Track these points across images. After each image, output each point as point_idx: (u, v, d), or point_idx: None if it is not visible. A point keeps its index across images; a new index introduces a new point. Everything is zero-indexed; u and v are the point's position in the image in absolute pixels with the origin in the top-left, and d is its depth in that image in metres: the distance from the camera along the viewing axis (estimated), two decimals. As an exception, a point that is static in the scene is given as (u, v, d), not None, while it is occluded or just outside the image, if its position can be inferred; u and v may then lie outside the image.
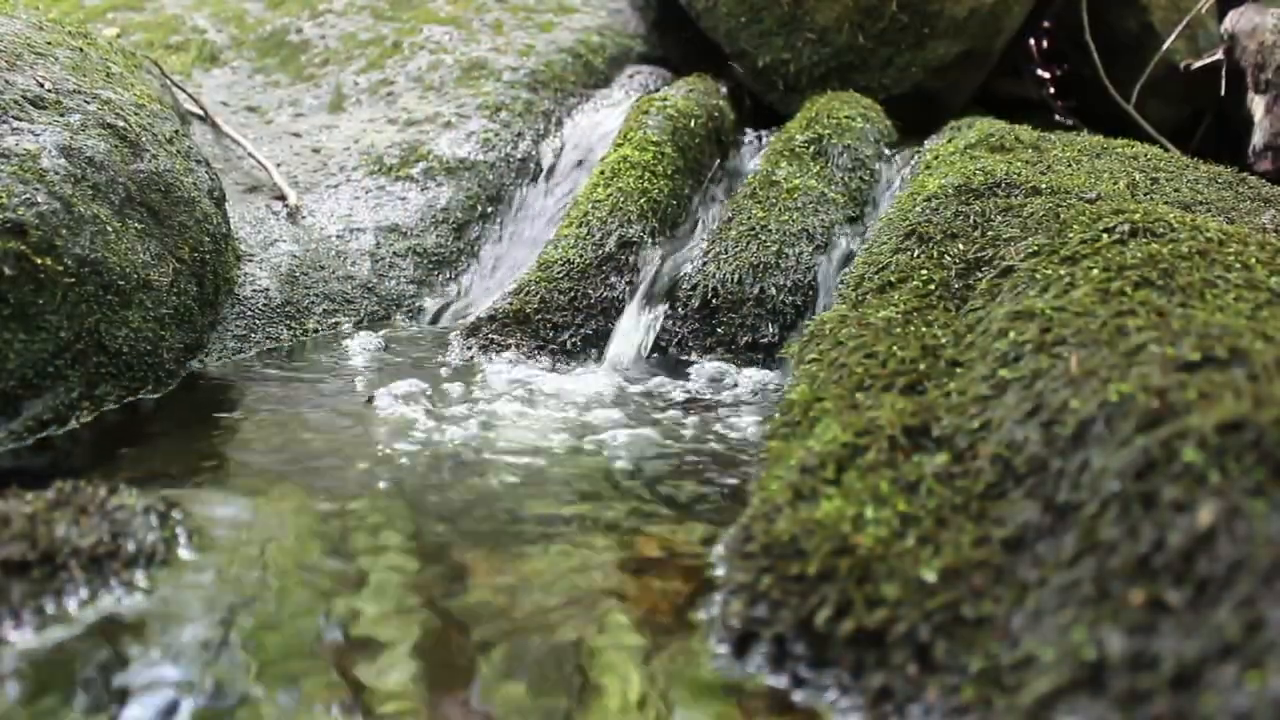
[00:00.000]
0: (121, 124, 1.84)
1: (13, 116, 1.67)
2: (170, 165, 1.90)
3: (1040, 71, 3.80)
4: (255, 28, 3.37)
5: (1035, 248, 1.47)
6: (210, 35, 3.32)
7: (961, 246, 1.69)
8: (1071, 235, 1.44)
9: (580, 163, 2.77)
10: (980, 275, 1.57)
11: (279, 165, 2.64)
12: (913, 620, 0.90)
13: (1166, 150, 2.47)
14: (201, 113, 2.72)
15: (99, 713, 0.85)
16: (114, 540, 1.07)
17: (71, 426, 1.56)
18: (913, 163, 2.48)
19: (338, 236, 2.44)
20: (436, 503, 1.32)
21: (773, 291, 2.11)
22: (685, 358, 2.10)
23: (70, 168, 1.65)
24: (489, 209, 2.67)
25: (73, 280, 1.56)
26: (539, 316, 2.12)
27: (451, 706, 0.88)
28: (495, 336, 2.09)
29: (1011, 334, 1.23)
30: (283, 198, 2.49)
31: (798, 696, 0.91)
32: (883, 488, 1.07)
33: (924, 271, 1.65)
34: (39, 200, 1.55)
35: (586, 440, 1.58)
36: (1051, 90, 3.77)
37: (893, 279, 1.68)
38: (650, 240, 2.32)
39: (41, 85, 1.78)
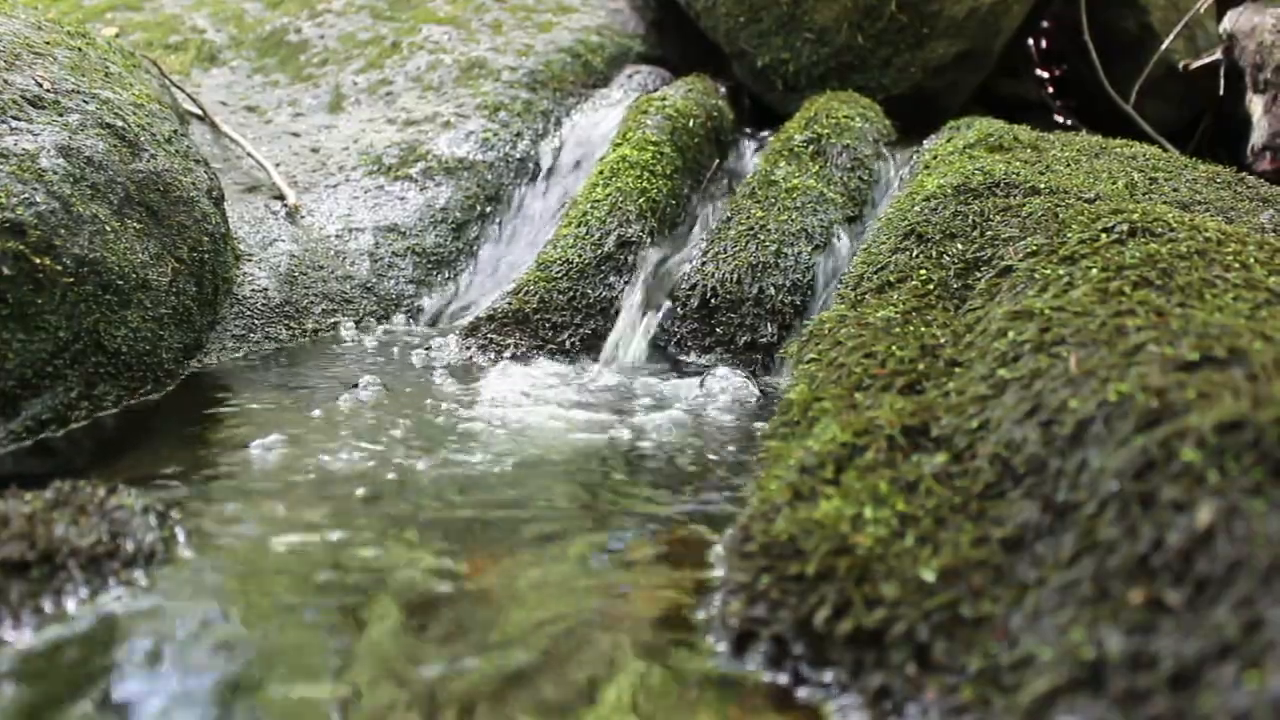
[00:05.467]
0: (120, 124, 1.84)
1: (11, 116, 1.67)
2: (169, 165, 1.90)
3: (1039, 71, 3.80)
4: (254, 27, 3.37)
5: (1034, 247, 1.47)
6: (209, 35, 3.32)
7: (960, 246, 1.69)
8: (1070, 235, 1.44)
9: (579, 162, 2.77)
10: (979, 275, 1.58)
11: (278, 165, 2.64)
12: (911, 620, 0.90)
13: (1165, 150, 2.47)
14: (200, 112, 2.72)
15: (98, 713, 0.85)
16: (113, 540, 1.07)
17: (71, 427, 1.56)
18: (912, 162, 2.48)
19: (336, 236, 2.44)
20: (435, 501, 1.32)
21: (771, 291, 2.11)
22: (684, 357, 2.10)
23: (69, 167, 1.65)
24: (488, 209, 2.67)
25: (71, 280, 1.56)
26: (538, 316, 2.12)
27: (450, 705, 0.88)
28: (494, 336, 2.09)
29: (1010, 334, 1.23)
30: (282, 197, 2.49)
31: (796, 696, 0.91)
32: (882, 488, 1.07)
33: (923, 271, 1.66)
34: (38, 200, 1.55)
35: (585, 440, 1.58)
36: (1050, 90, 3.77)
37: (891, 279, 1.69)
38: (649, 240, 2.32)
39: (40, 85, 1.78)
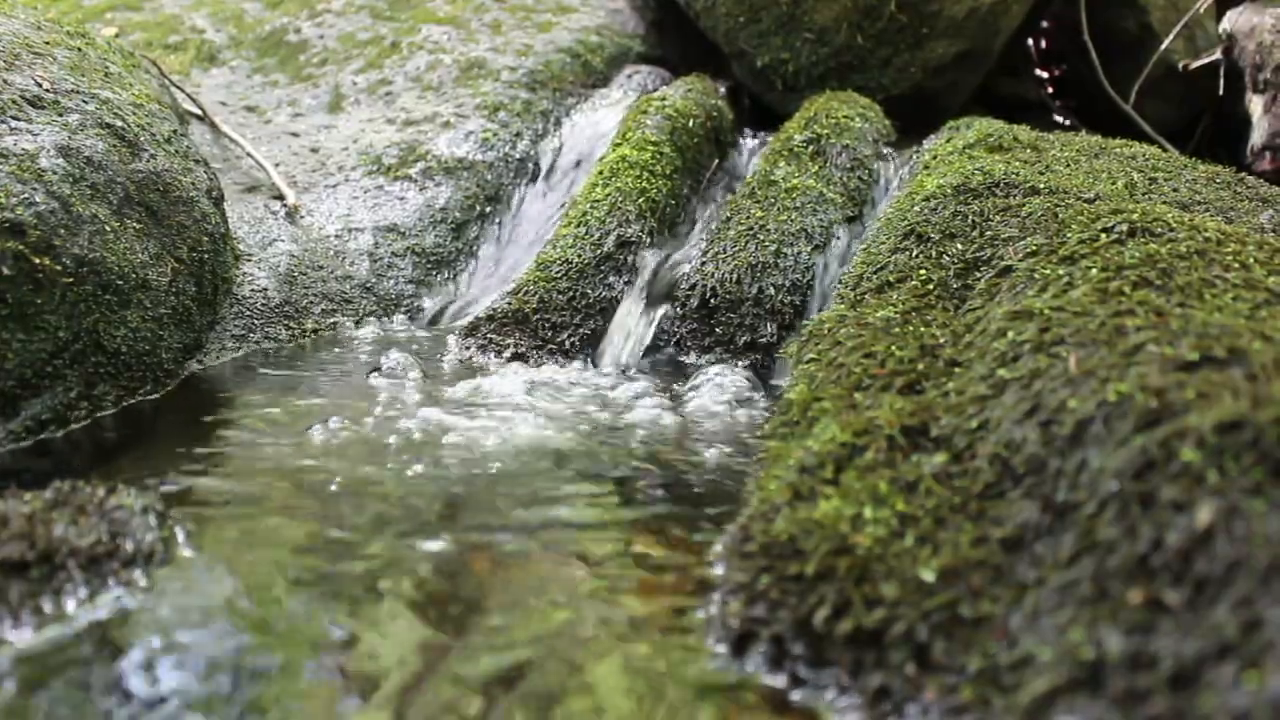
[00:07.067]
0: (120, 124, 1.84)
1: (11, 116, 1.67)
2: (169, 165, 1.90)
3: (1039, 71, 3.80)
4: (254, 27, 3.37)
5: (1034, 247, 1.47)
6: (209, 35, 3.32)
7: (960, 246, 1.69)
8: (1070, 235, 1.44)
9: (579, 162, 2.77)
10: (979, 275, 1.58)
11: (277, 165, 2.64)
12: (911, 620, 0.90)
13: (1165, 150, 2.47)
14: (200, 112, 2.72)
15: (97, 713, 0.85)
16: (113, 540, 1.07)
17: (70, 427, 1.56)
18: (911, 163, 2.48)
19: (336, 236, 2.44)
20: (435, 501, 1.32)
21: (771, 291, 2.11)
22: (684, 357, 2.10)
23: (69, 167, 1.65)
24: (487, 209, 2.67)
25: (71, 280, 1.56)
26: (538, 316, 2.12)
27: (448, 705, 0.88)
28: (494, 336, 2.09)
29: (1010, 334, 1.23)
30: (281, 197, 2.49)
31: (796, 697, 0.91)
32: (881, 488, 1.07)
33: (922, 271, 1.66)
34: (37, 200, 1.55)
35: (585, 440, 1.58)
36: (1050, 90, 3.78)
37: (891, 279, 1.69)
38: (649, 240, 2.32)
39: (40, 85, 1.78)
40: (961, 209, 1.79)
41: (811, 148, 2.50)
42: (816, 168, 2.44)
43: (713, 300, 2.11)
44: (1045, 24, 3.68)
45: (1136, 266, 1.26)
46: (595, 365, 2.09)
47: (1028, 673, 0.81)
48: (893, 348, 1.38)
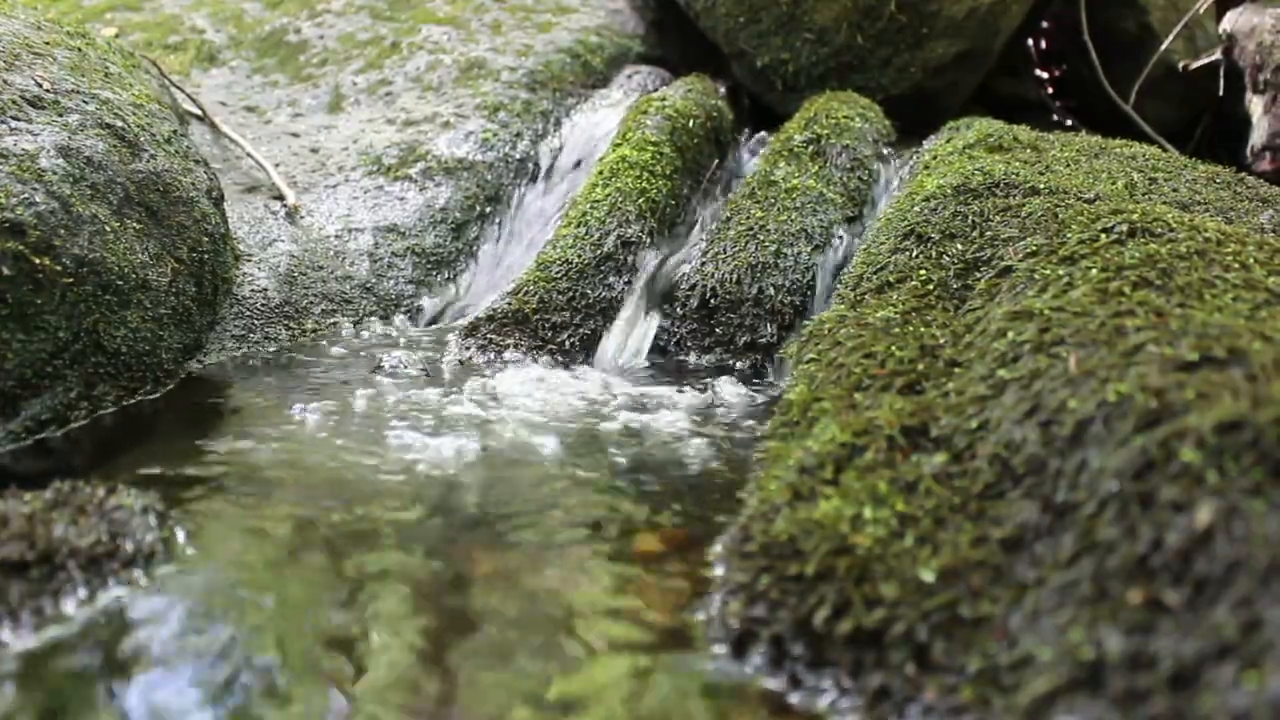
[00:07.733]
0: (120, 124, 1.84)
1: (11, 116, 1.67)
2: (169, 165, 1.90)
3: (1039, 71, 3.80)
4: (254, 28, 3.37)
5: (1034, 248, 1.47)
6: (209, 35, 3.32)
7: (960, 246, 1.69)
8: (1070, 235, 1.44)
9: (579, 163, 2.77)
10: (979, 275, 1.58)
11: (277, 165, 2.64)
12: (911, 620, 0.90)
13: (1165, 150, 2.47)
14: (200, 112, 2.72)
15: (97, 714, 0.85)
16: (113, 540, 1.07)
17: (70, 427, 1.56)
18: (911, 163, 2.48)
19: (336, 236, 2.44)
20: (434, 501, 1.32)
21: (771, 291, 2.11)
22: (684, 357, 2.10)
23: (69, 168, 1.65)
24: (487, 209, 2.67)
25: (71, 280, 1.56)
26: (537, 316, 2.12)
27: (448, 704, 0.88)
28: (494, 336, 2.09)
29: (1010, 334, 1.23)
30: (281, 198, 2.49)
31: (796, 697, 0.91)
32: (881, 488, 1.07)
33: (922, 272, 1.66)
34: (37, 200, 1.55)
35: (585, 440, 1.58)
36: (1050, 90, 3.78)
37: (891, 279, 1.69)
38: (649, 240, 2.32)
39: (40, 85, 1.78)
40: (961, 209, 1.79)
41: (811, 148, 2.50)
42: (816, 168, 2.44)
43: (713, 300, 2.11)
44: (1045, 24, 3.68)
45: (1136, 267, 1.26)
46: (595, 365, 2.09)
47: (1028, 673, 0.81)
48: (893, 348, 1.38)
